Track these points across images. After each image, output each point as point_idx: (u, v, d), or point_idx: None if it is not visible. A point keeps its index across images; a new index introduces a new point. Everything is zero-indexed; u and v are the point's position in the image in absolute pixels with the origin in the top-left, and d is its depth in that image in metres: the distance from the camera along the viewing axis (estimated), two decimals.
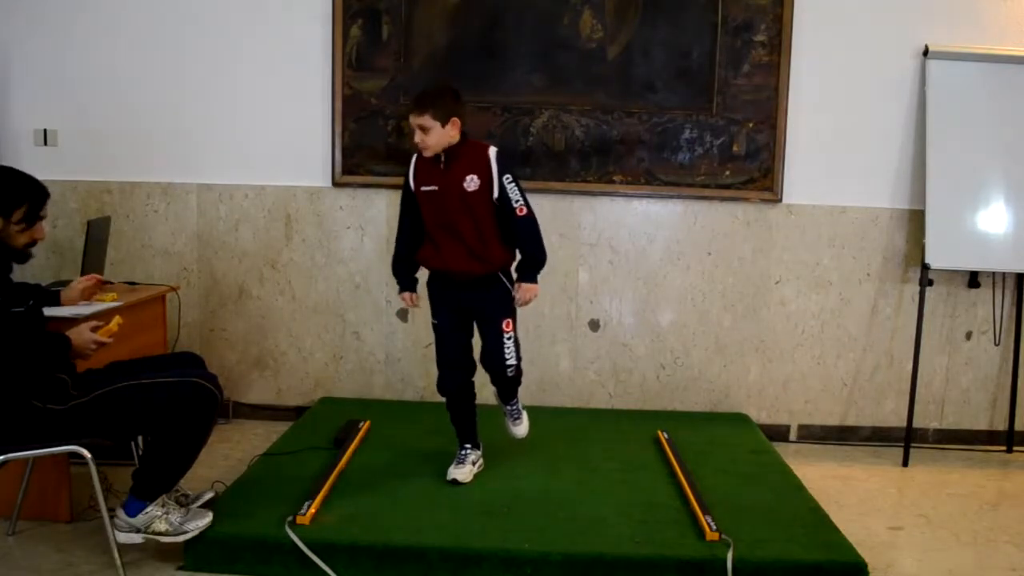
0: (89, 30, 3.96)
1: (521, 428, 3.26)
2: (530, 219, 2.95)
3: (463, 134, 2.94)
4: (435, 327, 3.08)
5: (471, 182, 2.88)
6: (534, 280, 2.99)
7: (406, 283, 3.11)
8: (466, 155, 2.92)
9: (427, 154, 2.91)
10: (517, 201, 2.92)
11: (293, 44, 3.95)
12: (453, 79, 3.88)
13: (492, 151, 2.92)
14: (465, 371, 3.08)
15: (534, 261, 2.99)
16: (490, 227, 2.93)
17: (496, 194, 2.91)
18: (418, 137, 2.88)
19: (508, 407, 3.20)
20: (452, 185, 2.89)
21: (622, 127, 3.95)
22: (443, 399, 3.15)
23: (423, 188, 2.93)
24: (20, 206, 2.42)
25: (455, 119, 2.87)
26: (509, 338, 3.00)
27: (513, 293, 3.00)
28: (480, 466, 3.17)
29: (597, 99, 3.93)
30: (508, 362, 3.00)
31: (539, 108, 3.93)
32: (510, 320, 3.01)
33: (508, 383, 3.09)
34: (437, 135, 2.86)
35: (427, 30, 3.91)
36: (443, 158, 2.90)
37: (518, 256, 3.03)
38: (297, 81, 3.96)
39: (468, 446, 3.15)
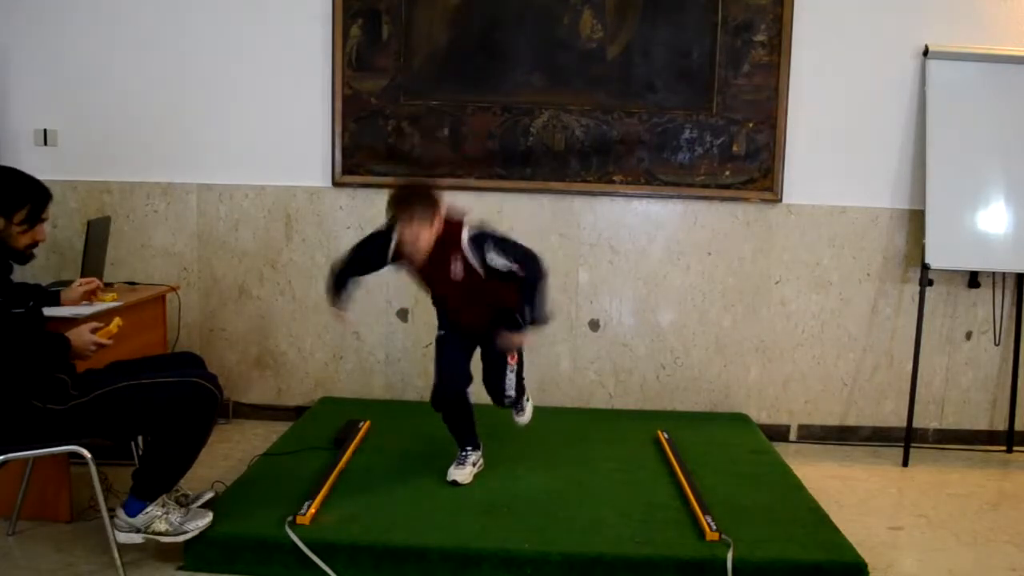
0: (89, 30, 3.96)
1: (523, 418, 3.29)
2: (531, 276, 2.85)
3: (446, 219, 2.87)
4: (439, 339, 3.09)
5: (456, 270, 2.86)
6: (527, 326, 2.89)
7: (339, 300, 3.02)
8: (445, 244, 2.83)
9: (418, 257, 2.83)
10: (506, 262, 2.84)
11: (293, 44, 3.95)
12: (453, 79, 3.91)
13: (465, 239, 2.84)
14: (463, 383, 3.05)
15: (534, 309, 2.87)
16: (488, 289, 2.91)
17: (484, 272, 2.85)
18: (409, 247, 2.80)
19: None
20: (440, 271, 2.89)
21: (622, 127, 3.95)
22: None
23: (410, 265, 2.92)
24: (22, 207, 2.42)
25: (438, 215, 2.80)
26: (512, 371, 3.05)
27: (501, 336, 2.92)
28: (480, 466, 3.17)
29: (597, 99, 3.93)
30: (507, 393, 3.07)
31: (539, 108, 3.93)
32: (515, 355, 3.04)
33: (504, 407, 3.13)
34: (427, 237, 2.78)
35: (427, 30, 3.91)
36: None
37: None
38: (297, 81, 3.96)
39: (469, 448, 3.15)
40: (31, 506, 2.84)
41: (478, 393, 3.15)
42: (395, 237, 2.85)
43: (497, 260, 2.84)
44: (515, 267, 2.84)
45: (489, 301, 2.95)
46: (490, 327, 2.97)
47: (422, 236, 2.78)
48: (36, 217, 2.46)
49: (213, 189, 4.06)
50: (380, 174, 3.98)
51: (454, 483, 3.02)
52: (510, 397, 3.07)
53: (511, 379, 3.05)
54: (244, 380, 4.15)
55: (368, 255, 2.98)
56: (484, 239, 2.87)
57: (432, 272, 2.93)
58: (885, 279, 4.05)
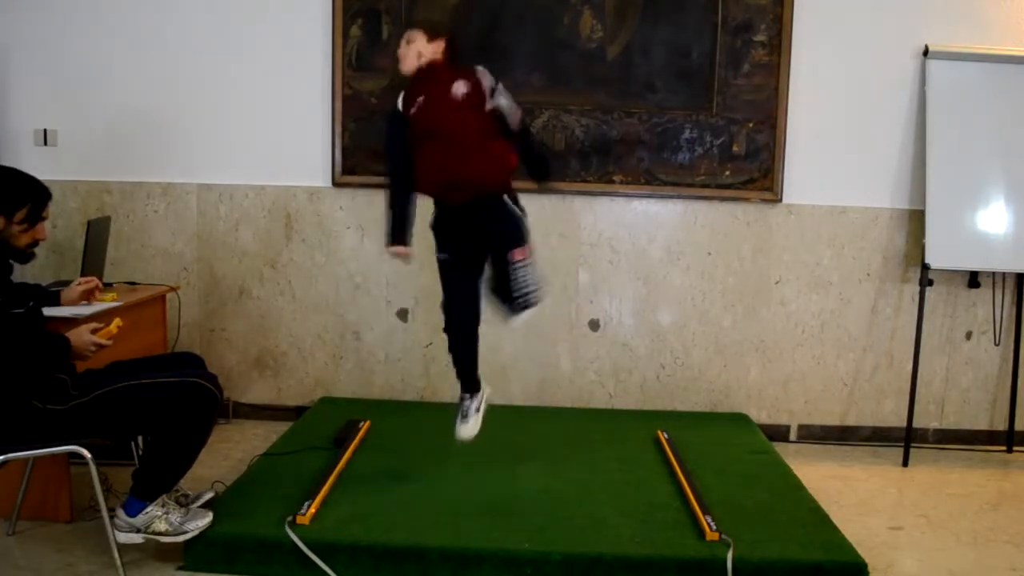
0: (89, 30, 3.96)
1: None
2: (524, 125, 2.99)
3: (449, 59, 2.93)
4: (440, 263, 3.02)
5: (459, 87, 2.87)
6: (548, 175, 3.03)
7: (399, 234, 2.95)
8: (453, 70, 2.92)
9: (403, 67, 2.91)
10: (511, 109, 2.91)
11: (293, 44, 3.95)
12: None
13: (480, 67, 2.92)
14: (474, 307, 2.99)
15: (541, 162, 3.02)
16: (480, 134, 2.88)
17: (489, 106, 2.88)
18: (401, 50, 2.91)
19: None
20: (440, 92, 2.87)
21: (622, 127, 3.95)
22: (446, 352, 3.09)
23: (413, 109, 2.91)
24: (22, 206, 2.43)
25: (440, 41, 2.89)
26: (522, 266, 2.88)
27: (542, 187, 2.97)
28: (485, 406, 3.08)
29: (597, 99, 3.93)
30: (523, 290, 2.87)
31: (539, 108, 3.93)
32: (520, 249, 2.89)
33: (520, 311, 2.96)
34: (419, 46, 2.87)
35: None
36: (424, 67, 2.88)
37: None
38: (297, 81, 3.96)
39: (468, 395, 3.08)
40: (31, 506, 2.84)
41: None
42: (401, 93, 2.94)
43: (503, 99, 2.89)
44: (517, 113, 2.92)
45: (476, 153, 2.86)
46: (485, 217, 2.91)
47: (417, 42, 2.85)
48: (36, 216, 2.47)
49: (213, 189, 4.06)
50: (380, 174, 3.95)
51: (463, 440, 3.00)
52: (528, 294, 2.87)
53: (522, 277, 2.87)
54: (244, 380, 4.15)
55: (392, 131, 3.00)
56: (496, 79, 2.92)
57: (434, 93, 2.88)
58: (885, 279, 4.05)
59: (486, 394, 3.12)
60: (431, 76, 2.90)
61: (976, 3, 3.88)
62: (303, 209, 4.06)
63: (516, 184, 2.99)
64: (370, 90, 3.94)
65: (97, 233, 3.49)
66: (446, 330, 3.05)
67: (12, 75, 3.99)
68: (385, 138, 3.05)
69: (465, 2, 3.89)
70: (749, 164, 3.96)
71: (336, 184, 4.01)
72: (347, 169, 4.00)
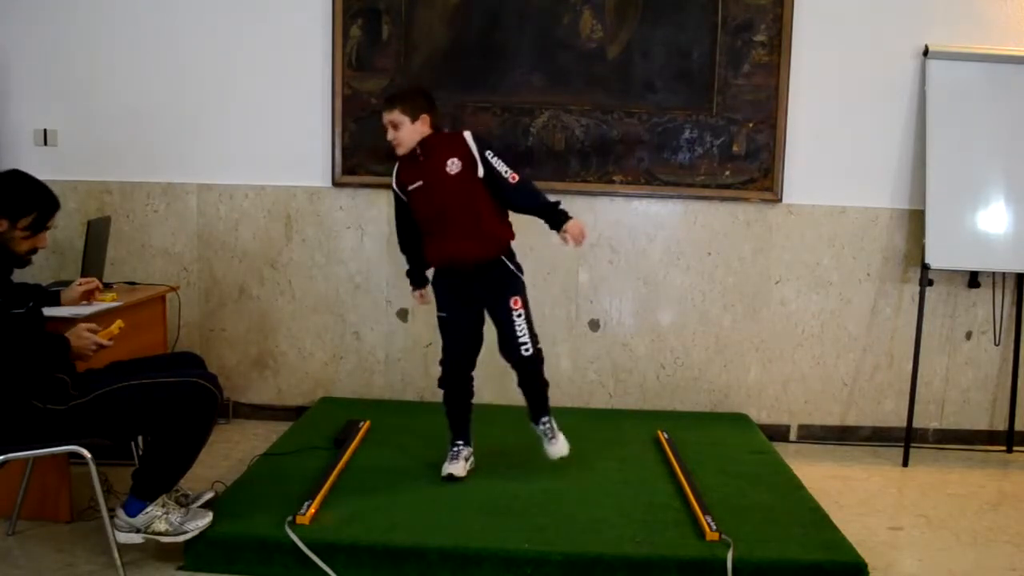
0: (89, 30, 3.96)
1: (557, 447, 3.13)
2: (524, 182, 2.99)
3: (436, 128, 2.99)
4: (441, 320, 3.09)
5: (452, 165, 2.92)
6: (568, 217, 2.99)
7: (418, 281, 3.17)
8: (442, 143, 2.97)
9: (400, 151, 2.97)
10: (506, 172, 2.96)
11: (293, 44, 3.95)
12: (453, 79, 3.91)
13: (467, 133, 2.99)
14: (469, 364, 3.09)
15: (551, 210, 3.00)
16: (482, 206, 2.95)
17: (482, 172, 2.94)
18: (390, 134, 2.95)
19: (540, 426, 3.13)
20: (435, 173, 2.93)
21: (622, 127, 3.95)
22: (441, 393, 3.15)
23: (410, 187, 2.98)
24: (29, 214, 2.43)
25: (425, 116, 2.94)
26: (519, 315, 2.98)
27: (561, 237, 2.96)
28: (472, 464, 3.17)
29: (597, 99, 3.93)
30: (521, 340, 2.98)
31: (539, 108, 3.93)
32: (518, 298, 2.99)
33: (529, 370, 3.03)
34: (407, 131, 2.93)
35: (427, 30, 3.91)
36: (419, 151, 2.94)
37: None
38: (297, 81, 3.96)
39: (460, 443, 3.15)
40: (31, 506, 2.84)
41: (477, 393, 3.16)
42: (396, 165, 3.03)
43: (496, 162, 2.94)
44: (513, 174, 2.94)
45: (476, 232, 2.93)
46: (486, 279, 2.98)
47: (404, 125, 2.91)
48: (41, 225, 2.47)
49: (213, 189, 4.06)
50: (380, 174, 3.97)
51: (450, 477, 3.03)
52: (526, 344, 2.97)
53: (521, 324, 2.97)
54: (244, 380, 4.15)
55: (397, 204, 3.09)
56: (488, 144, 3.00)
57: (430, 175, 2.93)
58: (885, 279, 4.05)
59: (471, 454, 3.19)
60: (425, 153, 2.95)
61: (976, 3, 3.88)
62: (303, 209, 4.06)
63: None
64: (370, 90, 3.94)
65: (97, 233, 3.49)
66: (441, 384, 3.14)
67: (12, 75, 3.99)
68: (394, 212, 3.14)
69: (465, 2, 3.89)
70: (749, 164, 3.96)
71: (336, 184, 4.01)
72: (347, 169, 4.00)
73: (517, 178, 2.97)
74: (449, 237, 2.95)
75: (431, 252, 3.04)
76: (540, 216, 3.01)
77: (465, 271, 2.99)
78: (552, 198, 3.03)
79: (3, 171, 2.52)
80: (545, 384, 3.11)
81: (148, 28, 3.96)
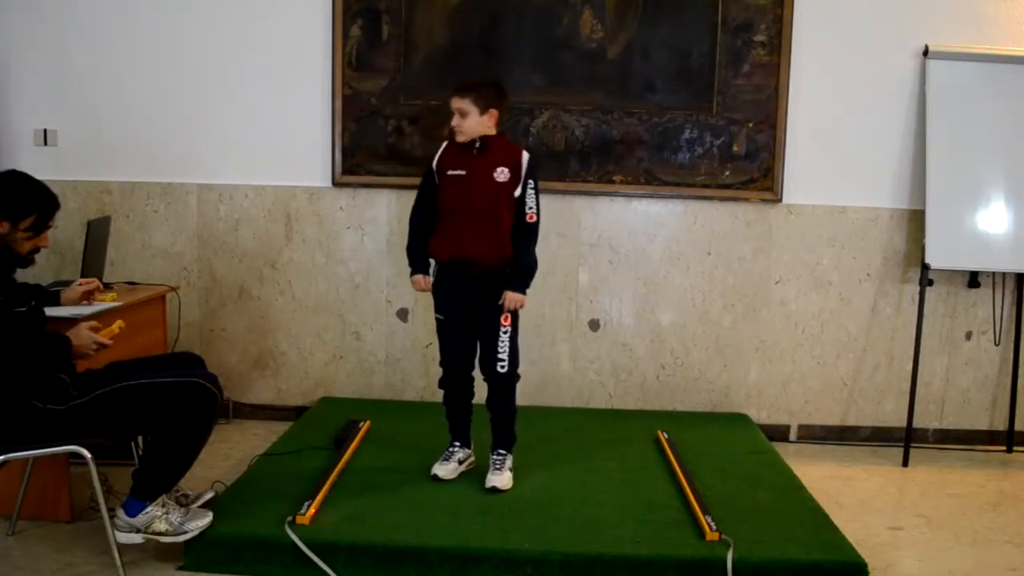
0: (89, 30, 3.96)
1: (497, 478, 3.01)
2: (536, 227, 3.01)
3: (499, 132, 3.00)
4: (439, 323, 3.09)
5: (501, 174, 2.94)
6: (523, 290, 3.00)
7: (420, 266, 3.10)
8: (501, 150, 2.98)
9: (460, 138, 2.96)
10: (531, 208, 2.99)
11: (293, 44, 3.95)
12: (453, 79, 3.88)
13: (526, 155, 2.99)
14: (467, 365, 3.09)
15: (527, 270, 3.02)
16: (506, 220, 2.97)
17: (518, 193, 2.96)
18: (455, 120, 2.94)
19: (493, 454, 3.08)
20: (482, 172, 2.94)
21: (622, 127, 3.95)
22: (441, 393, 3.16)
23: (450, 172, 2.97)
24: (30, 215, 2.44)
25: (493, 111, 2.94)
26: (506, 332, 3.00)
27: (504, 294, 2.98)
28: (471, 464, 3.17)
29: (597, 99, 3.93)
30: (500, 356, 2.99)
31: (539, 108, 3.93)
32: (508, 316, 3.01)
33: (499, 386, 3.03)
34: (474, 121, 2.92)
35: (427, 30, 3.91)
36: (478, 145, 2.95)
37: None
38: (297, 81, 3.96)
39: (457, 444, 3.15)
40: (31, 506, 2.84)
41: (479, 393, 3.15)
42: (444, 145, 3.03)
43: (532, 195, 2.98)
44: (532, 213, 2.98)
45: (495, 238, 2.95)
46: (487, 286, 2.98)
47: (472, 115, 2.90)
48: (43, 225, 2.48)
49: (213, 189, 4.06)
50: (380, 174, 3.98)
51: (435, 478, 3.04)
52: (503, 362, 2.98)
53: (504, 342, 2.99)
54: (244, 380, 4.15)
55: (426, 183, 3.06)
56: (537, 175, 3.02)
57: (477, 171, 2.93)
58: (885, 279, 4.05)
59: (470, 455, 3.19)
60: (481, 149, 2.95)
61: (976, 3, 3.88)
62: (303, 209, 4.06)
63: None
64: (370, 90, 3.94)
65: (97, 233, 3.49)
66: (441, 385, 3.14)
67: (12, 75, 3.99)
68: (419, 189, 3.11)
69: (465, 2, 3.89)
70: (749, 164, 3.96)
71: (336, 184, 4.01)
72: (347, 169, 4.00)
73: (534, 220, 3.00)
74: (467, 233, 2.94)
75: (442, 244, 3.01)
76: (515, 262, 2.98)
77: (469, 272, 2.98)
78: (531, 265, 3.03)
79: (3, 172, 2.53)
80: (513, 412, 3.10)
81: (148, 28, 3.96)
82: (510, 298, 2.97)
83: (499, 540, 2.60)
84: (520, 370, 3.07)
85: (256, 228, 4.07)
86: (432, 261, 3.08)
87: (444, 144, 3.06)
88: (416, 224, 3.09)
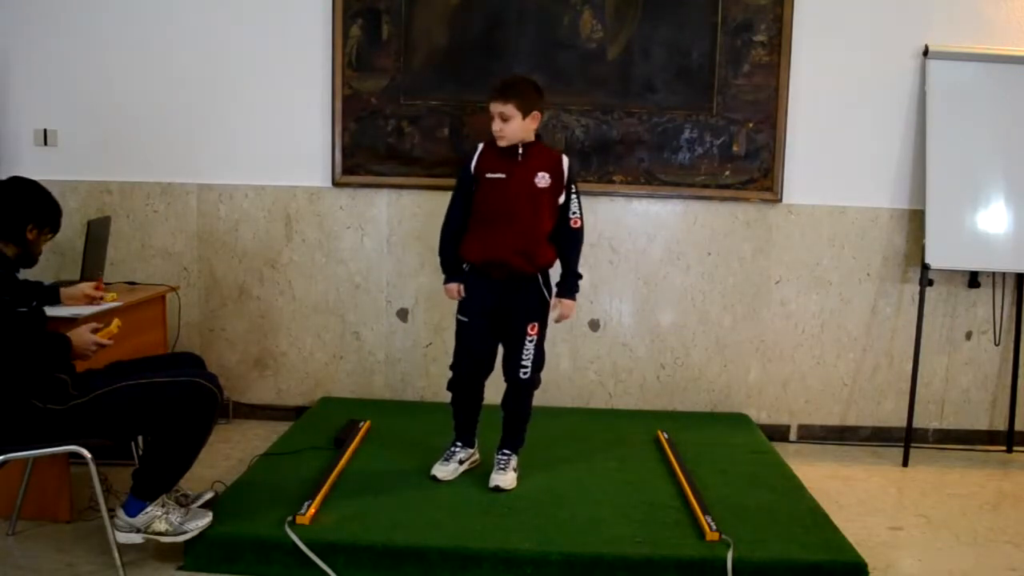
0: (89, 30, 3.96)
1: (500, 478, 3.00)
2: (581, 231, 3.01)
3: (537, 135, 2.97)
4: (460, 325, 3.04)
5: (542, 179, 2.91)
6: (574, 296, 3.00)
7: (455, 273, 3.03)
8: (542, 154, 2.96)
9: (503, 143, 2.91)
10: (575, 213, 2.99)
11: (293, 44, 3.95)
12: (453, 79, 3.91)
13: (566, 159, 2.98)
14: (484, 369, 3.06)
15: (575, 275, 3.02)
16: (545, 227, 2.95)
17: (562, 200, 2.95)
18: (497, 126, 2.89)
19: (498, 454, 3.08)
20: (523, 177, 2.90)
21: (622, 127, 3.95)
22: (448, 394, 3.14)
23: (488, 175, 2.93)
24: (54, 219, 2.58)
25: (536, 113, 2.91)
26: (532, 341, 2.98)
27: (551, 305, 2.99)
28: (475, 462, 3.17)
29: (597, 99, 3.93)
30: (524, 363, 2.98)
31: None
32: (536, 324, 2.98)
33: (519, 389, 3.03)
34: (516, 126, 2.88)
35: (427, 30, 3.91)
36: (520, 150, 2.91)
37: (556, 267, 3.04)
38: (297, 81, 3.96)
39: (459, 444, 3.14)
40: (31, 506, 2.84)
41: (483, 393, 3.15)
42: (480, 148, 2.99)
43: (575, 199, 2.97)
44: (576, 219, 2.98)
45: (530, 245, 2.91)
46: (518, 293, 2.96)
47: (515, 120, 2.85)
48: (57, 229, 2.62)
49: (213, 189, 4.06)
50: (380, 174, 3.98)
51: (433, 478, 3.03)
52: (526, 368, 2.97)
53: (529, 350, 2.97)
54: (244, 380, 4.15)
55: (461, 185, 3.01)
56: (575, 177, 3.01)
57: (518, 176, 2.90)
58: (885, 279, 4.05)
59: (473, 455, 3.18)
60: (524, 154, 2.92)
61: (976, 3, 3.88)
62: (303, 209, 4.06)
63: None
64: (370, 90, 3.94)
65: (97, 233, 3.49)
66: (450, 387, 3.11)
67: (12, 75, 3.99)
68: (455, 189, 3.06)
69: (465, 2, 3.89)
70: (749, 164, 3.96)
71: (336, 184, 4.01)
72: (347, 169, 4.00)
73: (579, 225, 3.00)
74: (503, 236, 2.89)
75: (475, 246, 2.95)
76: (562, 269, 3.01)
77: (500, 276, 2.94)
78: (579, 272, 3.03)
79: (18, 180, 2.57)
80: (527, 415, 3.10)
81: (148, 28, 3.96)
82: (566, 305, 2.98)
83: (499, 540, 2.60)
84: (541, 375, 3.07)
85: (256, 228, 4.07)
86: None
87: (480, 146, 3.00)
88: (451, 230, 3.02)
